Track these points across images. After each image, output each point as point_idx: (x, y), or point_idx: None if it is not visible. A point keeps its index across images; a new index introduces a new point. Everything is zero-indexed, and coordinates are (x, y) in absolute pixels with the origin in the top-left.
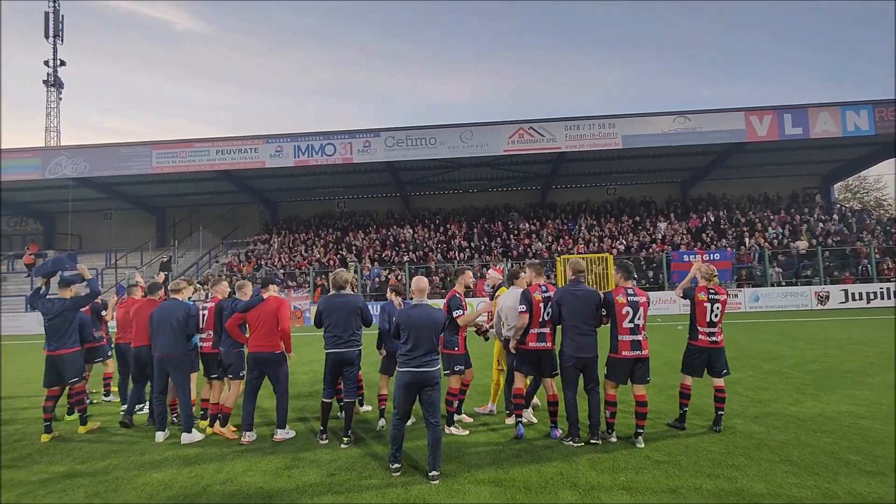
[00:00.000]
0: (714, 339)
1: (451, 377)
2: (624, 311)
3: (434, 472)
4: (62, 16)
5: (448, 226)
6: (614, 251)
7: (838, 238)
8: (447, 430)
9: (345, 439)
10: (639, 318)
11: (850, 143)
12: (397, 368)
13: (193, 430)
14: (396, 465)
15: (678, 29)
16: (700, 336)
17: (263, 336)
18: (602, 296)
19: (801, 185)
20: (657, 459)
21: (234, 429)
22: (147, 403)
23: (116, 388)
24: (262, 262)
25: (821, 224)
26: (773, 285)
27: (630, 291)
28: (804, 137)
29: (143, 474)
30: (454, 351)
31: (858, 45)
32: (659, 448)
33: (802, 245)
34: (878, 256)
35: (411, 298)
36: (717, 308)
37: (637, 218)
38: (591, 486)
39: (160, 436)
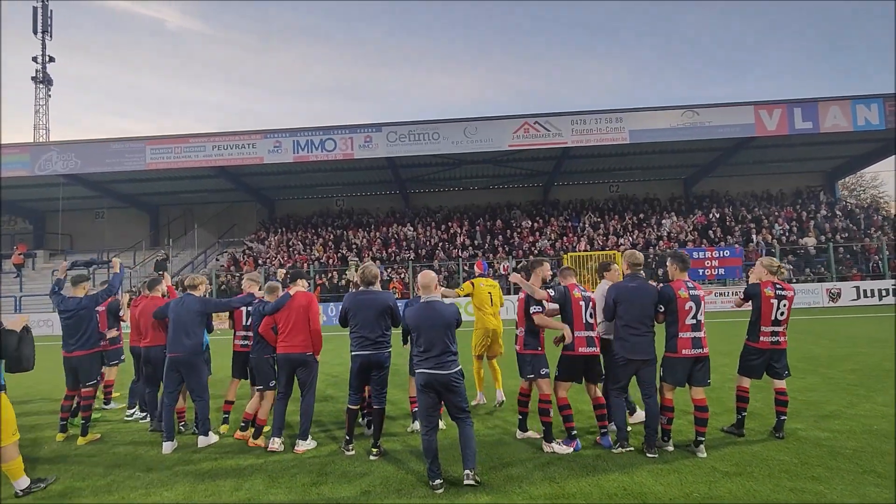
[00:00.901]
0: (777, 339)
1: (540, 381)
2: (687, 307)
3: (468, 471)
4: (51, 11)
5: (450, 224)
6: (621, 248)
7: (846, 235)
8: (547, 448)
9: (373, 450)
10: (700, 314)
11: (854, 139)
12: (414, 370)
13: (210, 433)
14: (438, 481)
15: (682, 25)
16: (761, 337)
17: (294, 335)
18: (659, 291)
19: (805, 183)
20: (726, 471)
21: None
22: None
23: (118, 394)
24: (261, 261)
25: (827, 223)
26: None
27: (690, 285)
28: (814, 132)
29: (152, 492)
30: (537, 351)
31: (863, 40)
32: (723, 457)
33: (811, 242)
34: (888, 253)
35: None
36: (784, 305)
37: (641, 215)
38: (661, 502)
39: (168, 447)
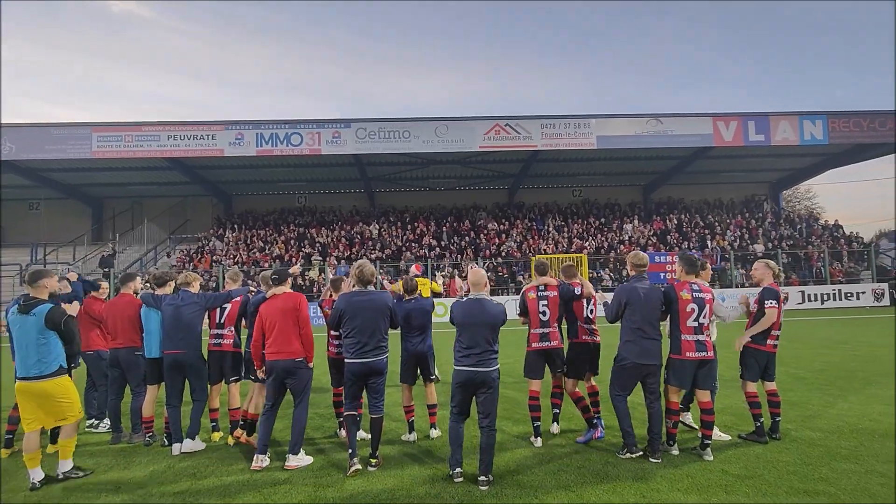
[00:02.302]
0: (777, 342)
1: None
2: (689, 309)
3: (483, 478)
4: None
5: (416, 224)
6: (585, 251)
7: (791, 242)
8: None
9: (372, 461)
10: (703, 317)
11: (799, 152)
12: (454, 366)
13: (197, 437)
14: (458, 470)
15: (645, 34)
16: (769, 341)
17: (280, 341)
18: (663, 293)
19: (751, 192)
20: (737, 474)
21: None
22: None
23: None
24: (217, 259)
25: (773, 230)
26: (736, 286)
27: (695, 287)
28: (766, 144)
29: None
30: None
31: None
32: (729, 460)
33: (759, 248)
34: (829, 260)
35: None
36: (782, 309)
37: (603, 219)
38: None
39: (180, 447)
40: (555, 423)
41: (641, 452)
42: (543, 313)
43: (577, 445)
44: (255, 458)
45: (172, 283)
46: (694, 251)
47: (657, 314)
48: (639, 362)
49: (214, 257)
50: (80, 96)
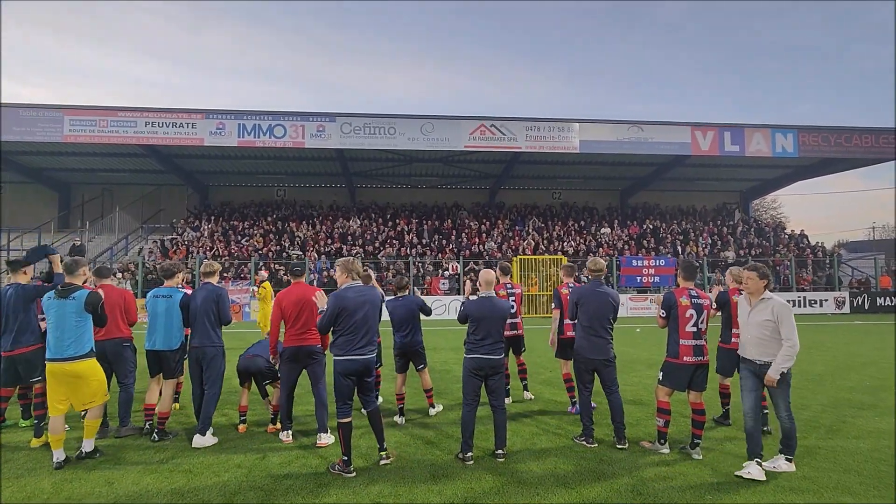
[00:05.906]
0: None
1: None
2: (688, 314)
3: (500, 451)
4: None
5: (397, 221)
6: (567, 253)
7: (760, 250)
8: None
9: (383, 454)
10: (702, 322)
11: (769, 163)
12: (465, 355)
13: (208, 433)
14: (469, 454)
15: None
16: (733, 339)
17: (305, 328)
18: (617, 299)
19: (722, 200)
20: (726, 472)
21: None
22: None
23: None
24: (193, 250)
25: (744, 238)
26: (710, 291)
27: (693, 293)
28: (740, 154)
29: None
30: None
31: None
32: (717, 459)
33: (730, 255)
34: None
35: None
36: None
37: (581, 223)
38: None
39: (202, 440)
40: (526, 392)
41: (596, 444)
42: (512, 306)
43: (570, 443)
44: (284, 433)
45: (180, 275)
46: (670, 256)
47: (607, 316)
48: (588, 357)
49: (191, 248)
50: (40, 75)
